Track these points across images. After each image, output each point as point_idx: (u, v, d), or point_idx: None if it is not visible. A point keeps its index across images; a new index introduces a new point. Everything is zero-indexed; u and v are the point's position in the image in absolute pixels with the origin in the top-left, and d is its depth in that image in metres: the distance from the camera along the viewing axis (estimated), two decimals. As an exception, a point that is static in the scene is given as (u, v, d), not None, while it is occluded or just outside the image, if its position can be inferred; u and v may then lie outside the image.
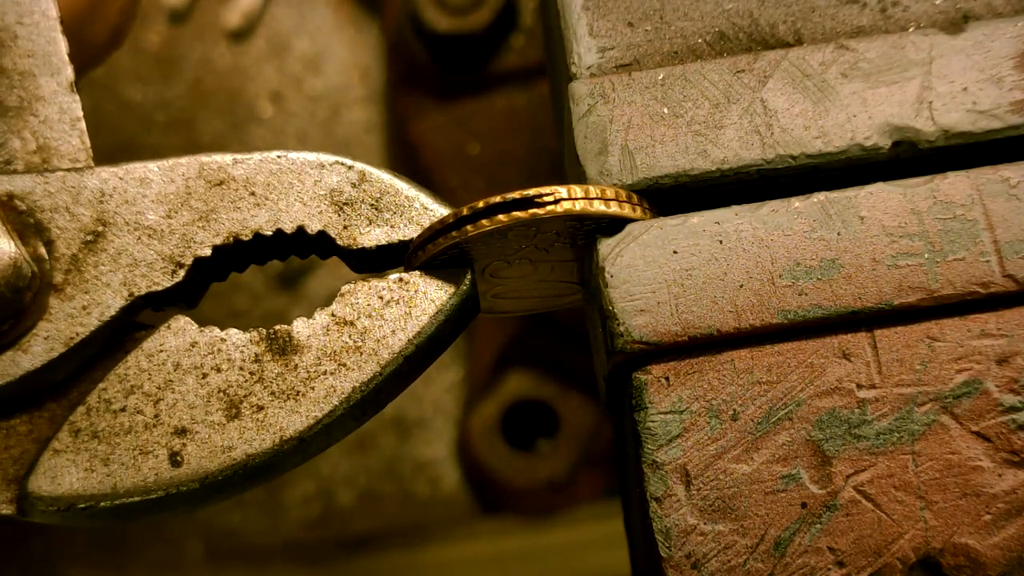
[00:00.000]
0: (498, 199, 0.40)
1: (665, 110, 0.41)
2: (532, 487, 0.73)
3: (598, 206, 0.40)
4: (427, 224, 0.41)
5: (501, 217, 0.40)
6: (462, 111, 0.75)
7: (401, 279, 0.41)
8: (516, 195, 0.40)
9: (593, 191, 0.40)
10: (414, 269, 0.41)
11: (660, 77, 0.42)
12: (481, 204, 0.40)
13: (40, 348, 0.40)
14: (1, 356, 0.40)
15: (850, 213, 0.39)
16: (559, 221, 0.40)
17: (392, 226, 0.42)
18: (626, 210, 0.40)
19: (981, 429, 0.38)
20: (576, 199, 0.40)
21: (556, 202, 0.40)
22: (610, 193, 0.40)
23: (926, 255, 0.39)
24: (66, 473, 0.40)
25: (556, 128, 0.49)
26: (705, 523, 0.38)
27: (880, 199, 0.39)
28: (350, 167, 0.42)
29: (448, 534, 0.75)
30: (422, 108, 0.76)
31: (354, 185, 0.42)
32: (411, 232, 0.42)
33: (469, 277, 0.41)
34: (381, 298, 0.41)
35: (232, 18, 0.80)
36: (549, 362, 0.75)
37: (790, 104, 0.41)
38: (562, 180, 0.42)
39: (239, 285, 0.75)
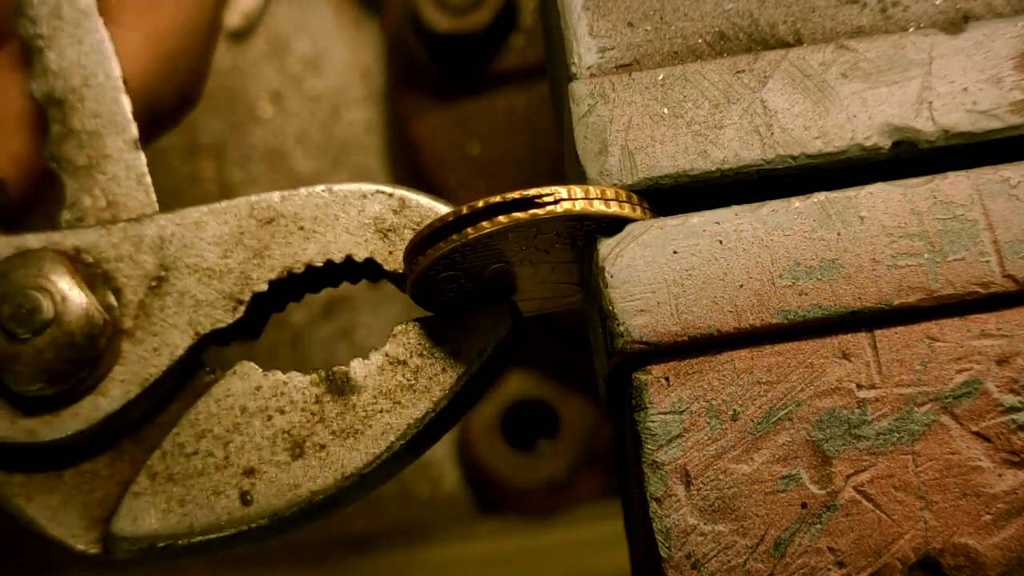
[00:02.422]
0: (498, 199, 0.40)
1: (665, 110, 0.41)
2: (532, 487, 0.74)
3: (598, 206, 0.40)
4: None
5: (501, 218, 0.40)
6: (462, 111, 0.75)
7: (451, 317, 0.43)
8: (516, 195, 0.40)
9: (593, 191, 0.40)
10: (414, 275, 0.42)
11: (660, 77, 0.42)
12: (480, 204, 0.40)
13: (118, 391, 0.42)
14: (83, 401, 0.42)
15: (850, 213, 0.39)
16: (559, 222, 0.40)
17: None
18: (626, 210, 0.40)
19: (981, 429, 0.38)
20: (576, 199, 0.40)
21: (556, 202, 0.39)
22: (610, 193, 0.40)
23: (926, 255, 0.39)
24: (146, 514, 0.42)
25: (556, 128, 0.49)
26: (705, 523, 0.38)
27: (880, 199, 0.39)
28: (390, 194, 0.44)
29: (448, 534, 0.75)
30: (422, 108, 0.76)
31: (395, 212, 0.43)
32: None
33: (513, 311, 0.43)
34: (432, 337, 0.43)
35: (232, 18, 0.80)
36: (549, 362, 0.75)
37: (790, 104, 0.41)
38: (562, 180, 0.42)
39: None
